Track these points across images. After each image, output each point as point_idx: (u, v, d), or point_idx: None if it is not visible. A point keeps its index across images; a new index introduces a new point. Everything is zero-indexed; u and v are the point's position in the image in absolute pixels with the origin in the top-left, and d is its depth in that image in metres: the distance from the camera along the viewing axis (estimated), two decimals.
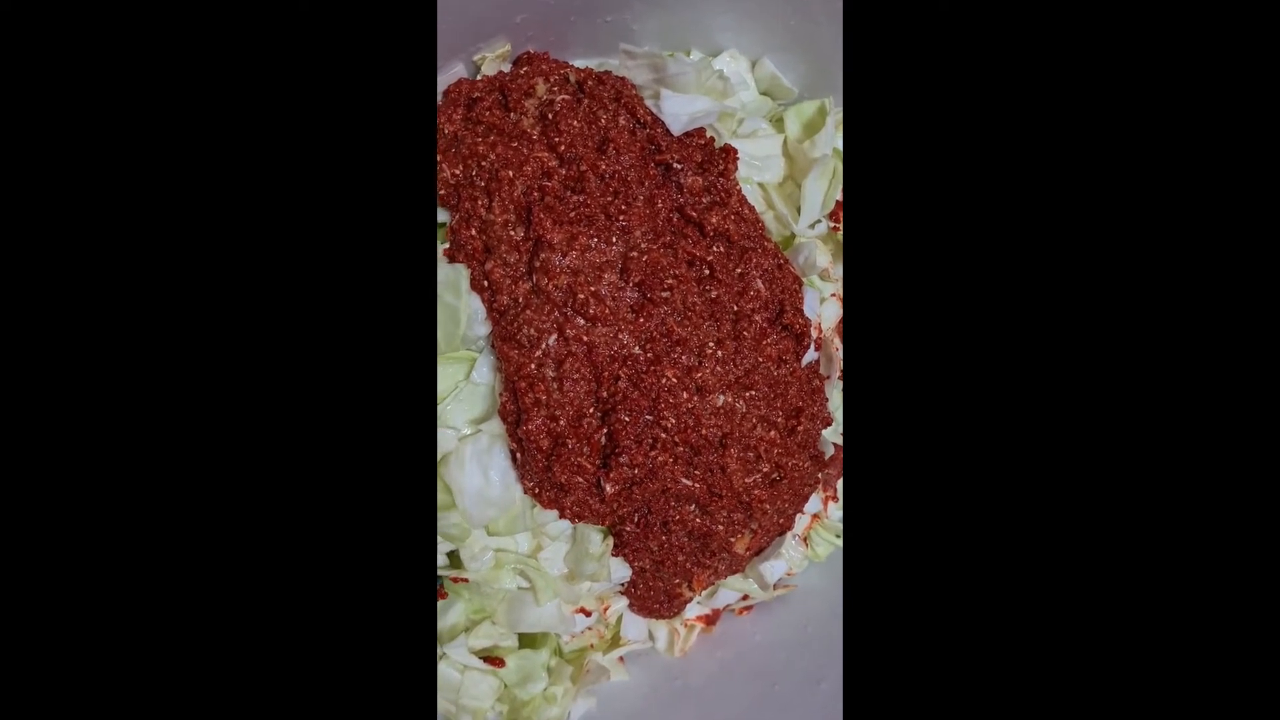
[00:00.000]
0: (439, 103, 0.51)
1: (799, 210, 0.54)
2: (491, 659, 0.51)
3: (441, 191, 0.49)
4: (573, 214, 0.48)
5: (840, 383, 0.57)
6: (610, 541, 0.51)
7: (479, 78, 0.52)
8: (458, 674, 0.50)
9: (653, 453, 0.48)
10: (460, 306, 0.47)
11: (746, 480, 0.50)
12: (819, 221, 0.55)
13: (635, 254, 0.48)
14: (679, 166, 0.50)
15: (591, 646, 0.55)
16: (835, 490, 0.58)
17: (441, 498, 0.48)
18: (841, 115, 0.56)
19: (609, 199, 0.48)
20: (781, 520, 0.54)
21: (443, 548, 0.50)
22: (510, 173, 0.48)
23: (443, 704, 0.51)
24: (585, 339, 0.47)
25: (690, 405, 0.48)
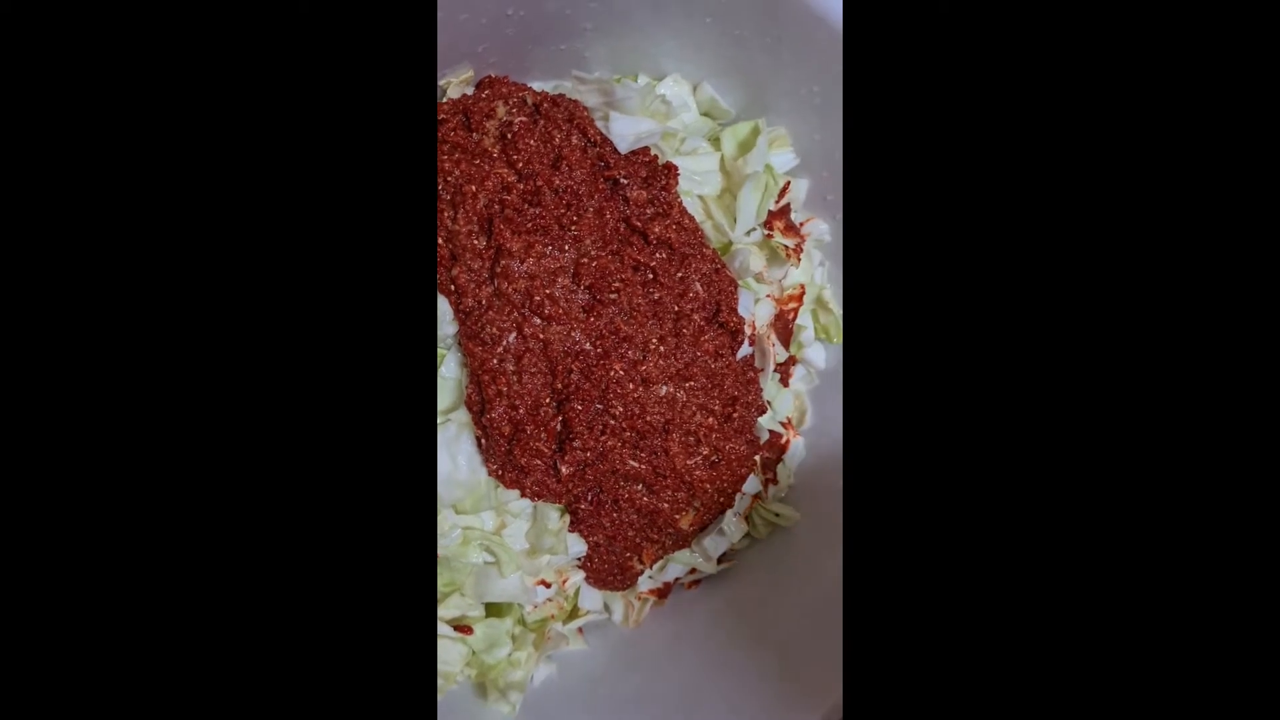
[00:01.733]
0: None
1: (735, 220, 0.59)
2: (461, 627, 0.56)
3: None
4: (530, 225, 0.53)
5: (776, 374, 0.62)
6: (566, 518, 0.56)
7: (444, 100, 0.57)
8: None
9: (603, 438, 0.53)
10: None
11: (688, 462, 0.56)
12: (753, 230, 0.60)
13: (586, 260, 0.54)
14: (626, 181, 0.56)
15: (552, 617, 0.60)
16: (775, 473, 0.64)
17: None
18: (775, 134, 0.61)
19: (562, 211, 0.54)
20: (722, 499, 0.59)
21: None
22: (473, 187, 0.53)
23: None
24: (542, 336, 0.52)
25: (636, 395, 0.53)
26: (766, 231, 0.61)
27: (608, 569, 0.59)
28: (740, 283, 0.59)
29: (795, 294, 0.63)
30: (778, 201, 0.61)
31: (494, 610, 0.58)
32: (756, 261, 0.60)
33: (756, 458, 0.61)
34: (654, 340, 0.54)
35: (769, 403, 0.61)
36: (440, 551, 0.55)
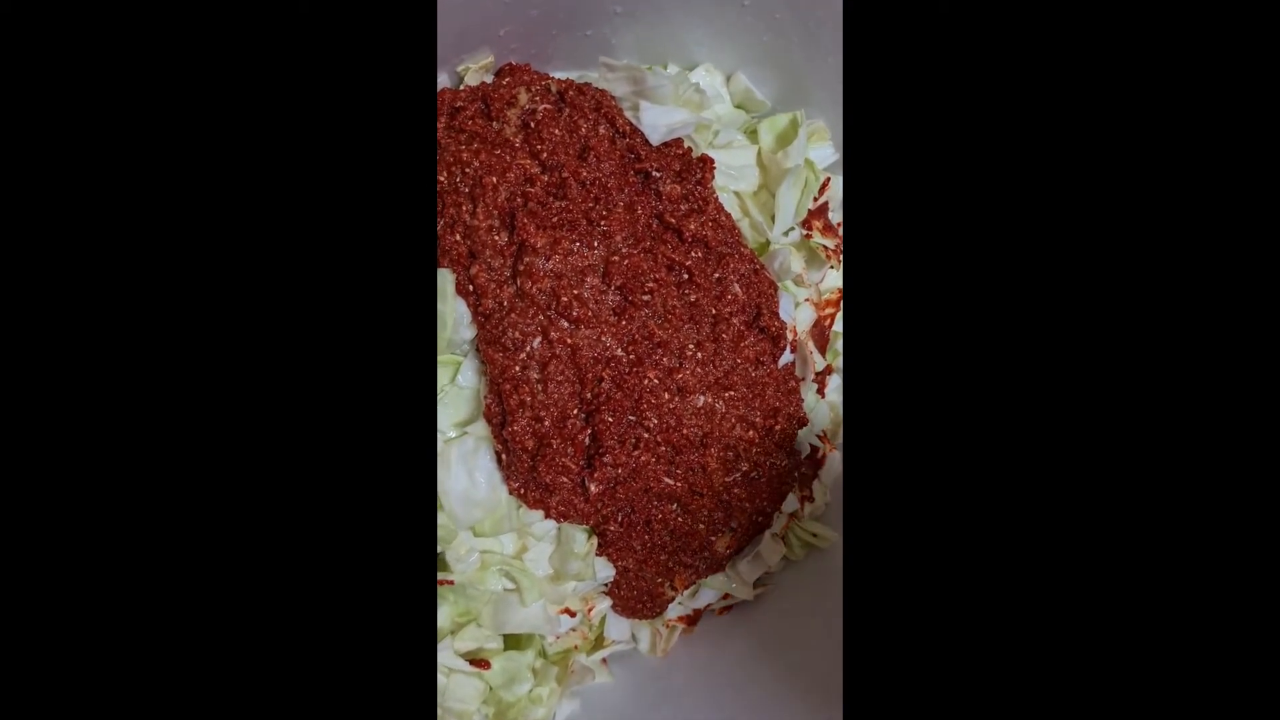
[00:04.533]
0: None
1: (773, 218, 0.56)
2: (477, 661, 0.51)
3: None
4: (555, 219, 0.49)
5: (815, 384, 0.58)
6: (594, 541, 0.51)
7: (462, 87, 0.53)
8: (443, 677, 0.51)
9: (635, 452, 0.49)
10: (446, 311, 0.48)
11: (726, 479, 0.51)
12: (792, 229, 0.57)
13: (616, 258, 0.49)
14: (658, 175, 0.52)
15: (575, 648, 0.55)
16: (811, 490, 0.60)
17: None
18: (815, 127, 0.58)
19: (590, 204, 0.50)
20: (760, 519, 0.55)
21: None
22: (494, 179, 0.49)
23: None
24: (569, 341, 0.48)
25: (672, 405, 0.49)
26: (805, 231, 0.57)
27: (637, 595, 0.54)
28: (780, 285, 0.55)
29: (833, 298, 0.59)
30: (816, 199, 0.58)
31: (513, 642, 0.53)
32: (796, 262, 0.56)
33: (796, 474, 0.56)
34: (690, 346, 0.50)
35: (808, 414, 0.57)
36: (456, 578, 0.50)
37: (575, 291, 0.48)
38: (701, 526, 0.52)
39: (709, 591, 0.57)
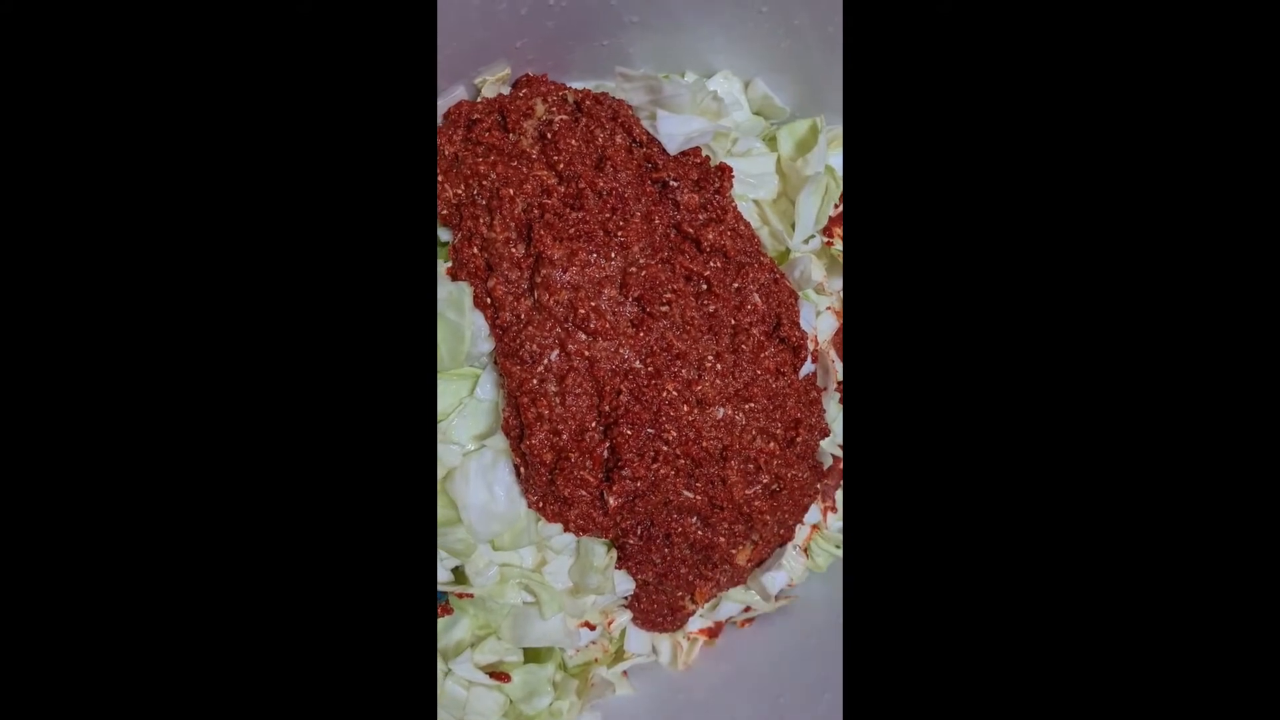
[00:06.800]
0: (440, 124, 0.52)
1: (793, 226, 0.55)
2: (497, 674, 0.51)
3: (444, 211, 0.50)
4: (572, 230, 0.48)
5: (837, 394, 0.57)
6: (614, 554, 0.51)
7: (479, 100, 0.53)
8: (464, 690, 0.50)
9: (654, 465, 0.48)
10: (464, 324, 0.48)
11: (747, 492, 0.51)
12: (813, 236, 0.56)
13: (634, 269, 0.49)
14: (675, 184, 0.51)
15: (596, 661, 0.55)
16: (834, 501, 0.59)
17: (446, 513, 0.48)
18: (835, 133, 0.57)
19: (607, 215, 0.49)
20: (782, 531, 0.54)
21: (448, 563, 0.50)
22: (511, 191, 0.49)
23: None
24: (586, 354, 0.48)
25: (691, 418, 0.49)
26: (826, 239, 0.56)
27: (657, 609, 0.54)
28: (800, 294, 0.54)
29: None
30: (837, 206, 0.57)
31: (533, 655, 0.53)
32: (817, 271, 0.55)
33: (819, 485, 0.55)
34: (710, 357, 0.49)
35: (829, 425, 0.56)
36: (475, 591, 0.50)
37: (593, 303, 0.48)
38: (722, 539, 0.51)
39: (730, 604, 0.57)
